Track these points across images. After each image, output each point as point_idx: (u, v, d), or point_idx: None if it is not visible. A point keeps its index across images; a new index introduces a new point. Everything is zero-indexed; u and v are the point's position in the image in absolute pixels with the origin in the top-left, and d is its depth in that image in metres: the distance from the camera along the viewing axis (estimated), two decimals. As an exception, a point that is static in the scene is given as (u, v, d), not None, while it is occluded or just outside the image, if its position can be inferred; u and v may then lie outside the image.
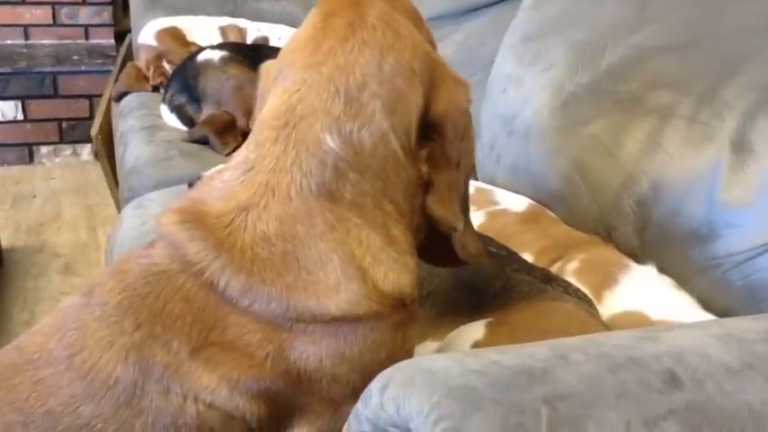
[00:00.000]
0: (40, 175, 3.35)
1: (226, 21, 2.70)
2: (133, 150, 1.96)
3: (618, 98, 1.29)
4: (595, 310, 1.04)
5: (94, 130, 2.49)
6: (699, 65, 1.19)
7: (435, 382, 0.57)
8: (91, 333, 0.70)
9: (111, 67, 3.14)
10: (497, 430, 0.53)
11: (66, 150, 3.51)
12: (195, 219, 0.73)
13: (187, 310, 0.70)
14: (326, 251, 0.71)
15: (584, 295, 1.06)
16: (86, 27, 3.62)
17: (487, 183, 1.56)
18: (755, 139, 1.05)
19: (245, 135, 1.68)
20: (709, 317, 1.05)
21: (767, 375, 0.61)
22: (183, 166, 1.82)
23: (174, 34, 2.56)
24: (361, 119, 0.74)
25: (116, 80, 2.60)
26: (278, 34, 2.65)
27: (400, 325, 0.75)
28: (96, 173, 3.01)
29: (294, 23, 2.61)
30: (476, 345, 0.89)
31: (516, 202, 1.42)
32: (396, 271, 0.74)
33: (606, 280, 1.15)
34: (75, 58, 3.45)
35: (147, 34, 2.56)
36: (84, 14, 3.58)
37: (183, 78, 2.17)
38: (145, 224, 1.41)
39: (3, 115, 3.36)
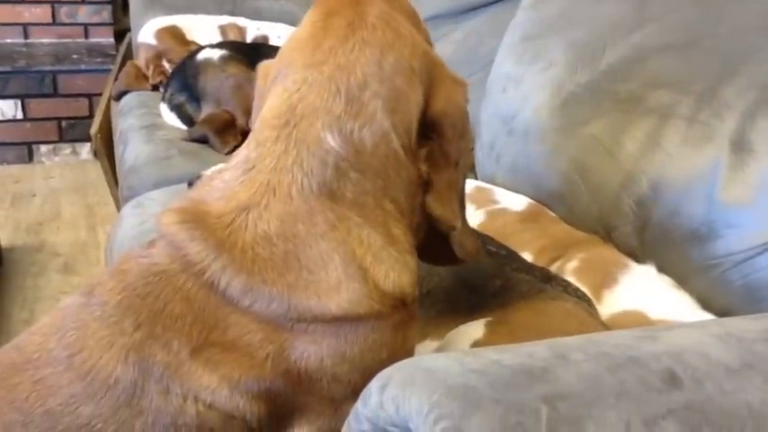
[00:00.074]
0: (39, 174, 3.35)
1: (225, 19, 2.70)
2: (133, 149, 1.96)
3: (617, 98, 1.29)
4: (594, 309, 1.05)
5: (94, 129, 2.48)
6: (698, 64, 1.19)
7: (435, 381, 0.57)
8: (91, 333, 0.70)
9: (111, 66, 3.14)
10: (497, 429, 0.53)
11: (66, 149, 3.51)
12: (196, 219, 0.73)
13: (187, 310, 0.70)
14: (328, 250, 0.71)
15: (584, 294, 1.06)
16: (86, 26, 3.61)
17: (487, 182, 1.56)
18: (755, 138, 1.05)
19: (244, 134, 1.68)
20: (708, 316, 1.05)
21: (766, 375, 0.61)
22: (182, 165, 1.82)
23: (174, 33, 2.56)
24: (362, 118, 0.74)
25: (116, 79, 2.60)
26: (277, 33, 2.65)
27: (401, 324, 0.75)
28: (96, 172, 3.01)
29: (293, 22, 2.61)
30: (475, 344, 0.89)
31: (516, 201, 1.42)
32: (396, 270, 0.74)
33: (606, 279, 1.15)
34: (75, 56, 3.45)
35: (146, 33, 2.56)
36: (84, 13, 3.58)
37: (182, 77, 2.17)
38: (144, 223, 1.41)
39: (2, 114, 3.36)
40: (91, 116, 3.26)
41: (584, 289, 1.09)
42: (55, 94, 3.40)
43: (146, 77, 2.47)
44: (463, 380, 0.57)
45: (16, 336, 0.76)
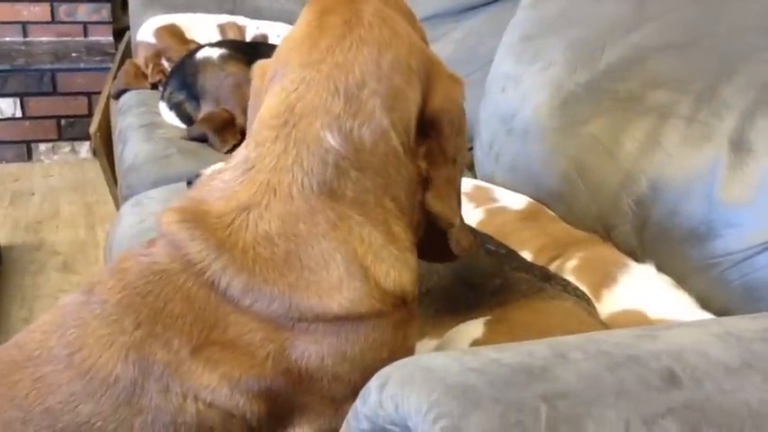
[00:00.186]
0: (38, 173, 3.35)
1: (225, 18, 2.69)
2: (132, 148, 1.96)
3: (617, 97, 1.29)
4: (594, 308, 1.05)
5: (93, 128, 2.48)
6: (698, 64, 1.19)
7: (434, 380, 0.57)
8: (91, 331, 0.70)
9: (110, 65, 3.14)
10: (496, 428, 0.53)
11: (65, 148, 3.50)
12: (196, 218, 0.73)
13: (188, 309, 0.70)
14: (329, 250, 0.71)
15: (583, 294, 1.06)
16: (85, 24, 3.60)
17: (486, 181, 1.56)
18: (754, 138, 1.05)
19: (243, 133, 1.68)
20: (707, 315, 1.05)
21: (766, 374, 0.61)
22: (181, 164, 1.82)
23: (173, 32, 2.55)
24: (361, 116, 0.74)
25: (115, 77, 2.59)
26: (277, 32, 2.64)
27: (401, 323, 0.75)
28: (95, 170, 3.00)
29: (293, 21, 2.59)
30: (474, 343, 0.89)
31: (515, 200, 1.42)
32: (397, 269, 0.74)
33: (605, 279, 1.15)
34: (74, 55, 3.44)
35: (145, 32, 2.56)
36: (83, 12, 3.57)
37: (181, 76, 2.16)
38: (143, 222, 1.41)
39: (1, 112, 3.36)
40: (90, 115, 3.26)
41: (584, 288, 1.09)
42: (54, 92, 3.40)
43: (145, 76, 2.46)
44: (462, 379, 0.57)
45: (15, 334, 0.76)
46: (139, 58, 2.53)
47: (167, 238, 0.73)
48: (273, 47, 0.82)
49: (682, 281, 1.12)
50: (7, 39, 3.50)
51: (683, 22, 1.27)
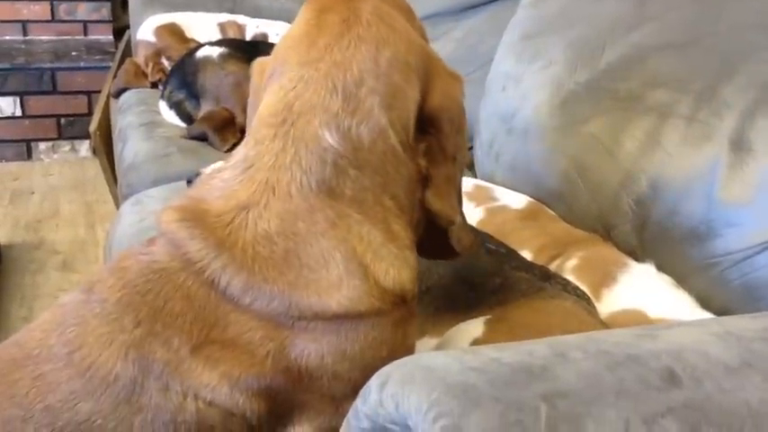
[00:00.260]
0: (38, 172, 3.35)
1: (225, 17, 2.69)
2: (132, 147, 1.96)
3: (617, 96, 1.29)
4: (594, 308, 1.05)
5: (93, 127, 2.48)
6: (698, 63, 1.19)
7: (434, 379, 0.57)
8: (91, 330, 0.70)
9: (110, 64, 3.14)
10: (496, 427, 0.53)
11: (65, 147, 3.50)
12: (196, 217, 0.73)
13: (188, 307, 0.70)
14: (328, 248, 0.71)
15: (583, 293, 1.06)
16: (85, 23, 3.60)
17: (486, 181, 1.56)
18: (754, 137, 1.05)
19: (243, 131, 1.68)
20: (707, 315, 1.05)
21: (765, 373, 0.61)
22: (181, 163, 1.82)
23: (173, 30, 2.55)
24: (360, 115, 0.74)
25: (115, 76, 2.59)
26: (277, 31, 2.64)
27: (401, 321, 0.75)
28: (95, 169, 3.00)
29: (293, 20, 2.60)
30: (474, 342, 0.89)
31: (515, 199, 1.42)
32: (396, 267, 0.74)
33: (605, 278, 1.15)
34: (74, 54, 3.44)
35: (145, 30, 2.56)
36: (83, 10, 3.57)
37: (181, 75, 2.16)
38: (143, 220, 1.41)
39: (1, 111, 3.36)
40: (90, 113, 3.26)
41: (584, 287, 1.09)
42: (54, 91, 3.40)
43: (145, 75, 2.46)
44: (462, 378, 0.57)
45: (15, 333, 0.76)
46: (139, 56, 2.53)
47: (167, 237, 0.73)
48: (273, 45, 0.82)
49: (682, 280, 1.12)
50: (7, 37, 3.50)
51: (684, 22, 1.27)
